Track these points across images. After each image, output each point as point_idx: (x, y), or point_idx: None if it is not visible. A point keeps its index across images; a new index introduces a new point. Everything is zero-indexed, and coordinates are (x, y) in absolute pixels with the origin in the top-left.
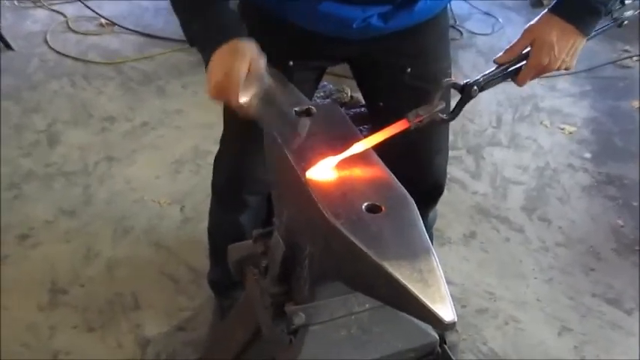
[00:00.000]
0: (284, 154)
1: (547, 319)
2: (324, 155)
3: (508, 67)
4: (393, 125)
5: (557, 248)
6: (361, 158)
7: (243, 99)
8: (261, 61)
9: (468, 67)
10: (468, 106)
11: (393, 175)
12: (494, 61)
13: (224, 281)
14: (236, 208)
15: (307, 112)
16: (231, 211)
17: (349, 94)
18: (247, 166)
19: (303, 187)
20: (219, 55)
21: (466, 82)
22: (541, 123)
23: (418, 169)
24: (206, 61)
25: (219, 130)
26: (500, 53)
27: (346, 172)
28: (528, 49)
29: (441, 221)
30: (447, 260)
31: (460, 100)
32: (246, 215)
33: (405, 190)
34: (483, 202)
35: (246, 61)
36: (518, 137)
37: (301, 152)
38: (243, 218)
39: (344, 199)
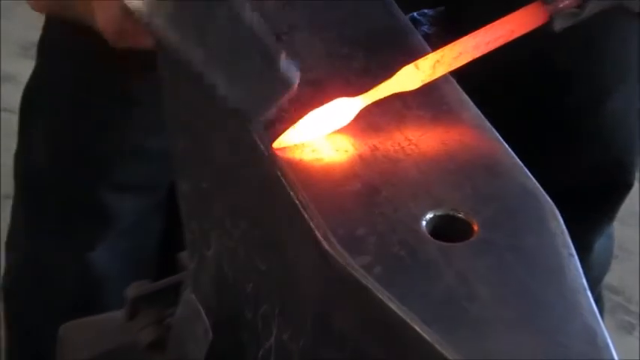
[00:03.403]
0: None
1: None
2: (321, 95)
3: None
4: (506, 17)
5: None
6: (422, 98)
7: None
8: None
9: None
10: None
11: (504, 143)
12: None
13: None
14: (79, 224)
15: None
16: (67, 234)
17: None
18: (106, 120)
19: (267, 173)
20: None
21: None
22: None
23: (565, 130)
24: None
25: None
26: None
27: (380, 140)
28: None
29: (628, 264)
30: None
31: None
32: (106, 245)
33: (536, 183)
34: None
35: None
36: None
37: None
38: (98, 253)
39: (372, 203)
